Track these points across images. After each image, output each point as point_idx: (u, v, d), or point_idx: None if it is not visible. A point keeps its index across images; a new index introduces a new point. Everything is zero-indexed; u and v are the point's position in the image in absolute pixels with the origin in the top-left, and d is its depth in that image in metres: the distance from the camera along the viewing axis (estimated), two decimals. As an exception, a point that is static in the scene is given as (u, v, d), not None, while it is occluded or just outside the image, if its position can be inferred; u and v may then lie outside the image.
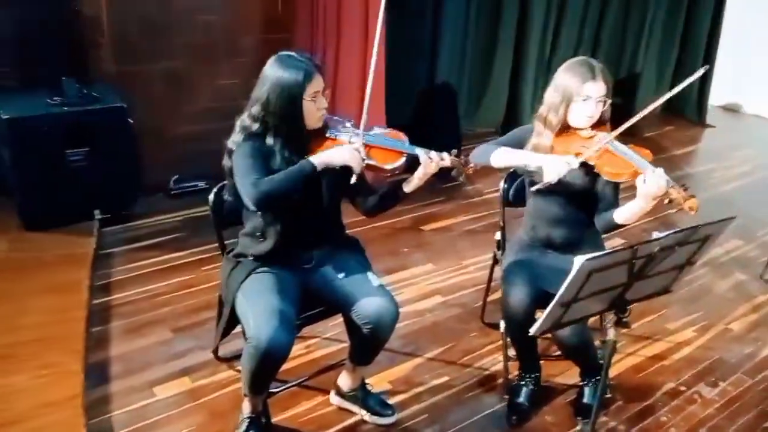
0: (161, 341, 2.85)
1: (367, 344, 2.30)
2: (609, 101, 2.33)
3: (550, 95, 2.37)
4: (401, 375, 2.72)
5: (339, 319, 2.45)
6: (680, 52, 6.50)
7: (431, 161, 2.16)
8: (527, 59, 5.46)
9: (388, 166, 2.18)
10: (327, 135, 2.21)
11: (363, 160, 2.12)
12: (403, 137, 2.25)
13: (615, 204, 2.33)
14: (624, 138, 2.25)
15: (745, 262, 3.75)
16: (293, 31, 4.31)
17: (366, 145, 2.16)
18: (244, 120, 2.15)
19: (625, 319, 1.87)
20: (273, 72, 2.09)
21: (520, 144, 2.45)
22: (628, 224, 2.28)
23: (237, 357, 2.70)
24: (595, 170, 2.24)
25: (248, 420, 2.28)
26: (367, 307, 2.18)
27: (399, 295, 3.09)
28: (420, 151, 2.18)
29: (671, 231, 1.68)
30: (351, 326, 2.30)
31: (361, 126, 2.18)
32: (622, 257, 1.62)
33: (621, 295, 1.79)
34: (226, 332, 2.33)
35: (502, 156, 2.35)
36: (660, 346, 2.99)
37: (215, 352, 2.65)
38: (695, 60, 6.45)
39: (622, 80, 5.98)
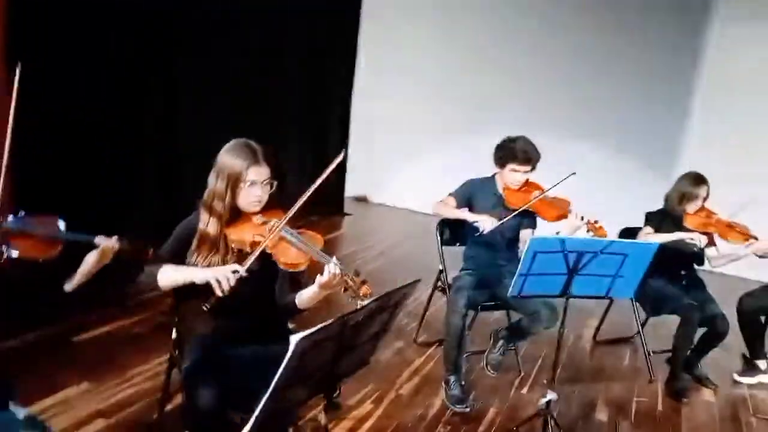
0: None
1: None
2: (275, 182, 2.32)
3: (214, 181, 2.28)
4: None
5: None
6: (316, 152, 7.05)
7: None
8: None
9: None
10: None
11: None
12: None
13: (297, 288, 2.29)
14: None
15: (399, 330, 4.07)
16: None
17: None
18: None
19: (336, 399, 1.78)
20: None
21: (186, 242, 2.29)
22: (307, 309, 2.28)
23: None
24: (272, 259, 2.18)
25: None
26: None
27: (53, 425, 2.52)
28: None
29: (371, 300, 1.70)
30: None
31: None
32: (335, 330, 1.55)
33: (330, 373, 1.71)
34: None
35: (169, 275, 2.17)
36: (346, 426, 2.99)
37: None
38: (330, 155, 7.04)
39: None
